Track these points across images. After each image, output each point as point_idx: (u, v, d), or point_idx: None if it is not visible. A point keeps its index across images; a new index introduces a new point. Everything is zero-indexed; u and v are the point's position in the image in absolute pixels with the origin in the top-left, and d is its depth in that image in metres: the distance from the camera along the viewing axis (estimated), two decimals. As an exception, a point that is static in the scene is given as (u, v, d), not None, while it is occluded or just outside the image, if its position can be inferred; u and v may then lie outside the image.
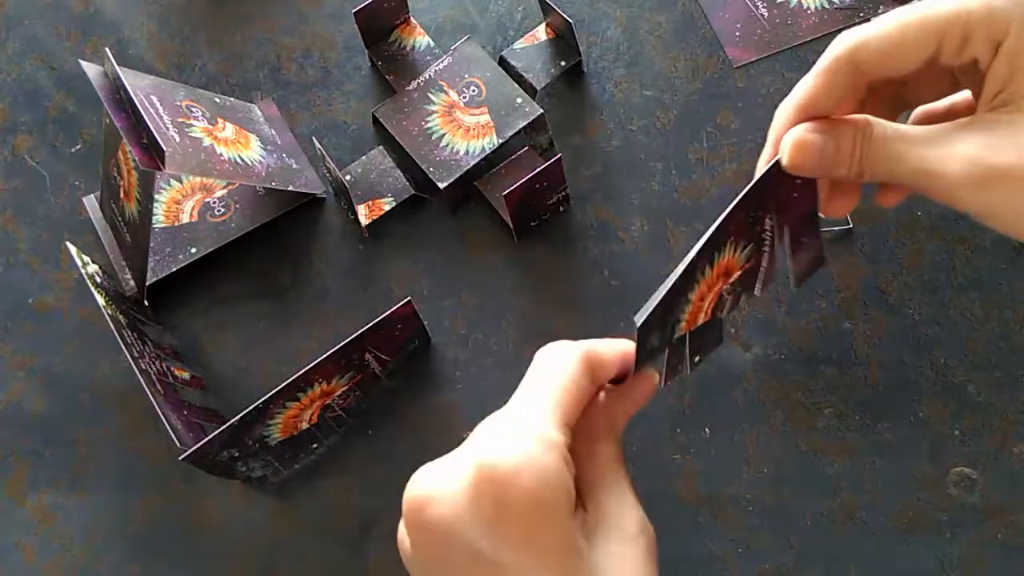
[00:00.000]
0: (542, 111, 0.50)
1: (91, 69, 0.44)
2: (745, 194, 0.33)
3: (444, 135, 0.51)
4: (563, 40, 0.54)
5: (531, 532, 0.28)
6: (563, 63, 0.53)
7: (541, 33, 0.54)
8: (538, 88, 0.52)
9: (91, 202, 0.53)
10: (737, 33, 0.54)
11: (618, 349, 0.34)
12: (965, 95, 0.35)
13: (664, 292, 0.32)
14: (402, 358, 0.48)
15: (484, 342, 0.49)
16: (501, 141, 0.50)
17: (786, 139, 0.33)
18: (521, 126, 0.50)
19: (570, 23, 0.50)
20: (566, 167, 0.48)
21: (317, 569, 0.46)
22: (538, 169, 0.46)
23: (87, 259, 0.49)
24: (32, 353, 0.51)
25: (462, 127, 0.51)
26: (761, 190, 0.34)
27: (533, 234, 0.51)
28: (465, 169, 0.50)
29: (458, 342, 0.49)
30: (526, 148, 0.52)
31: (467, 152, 0.51)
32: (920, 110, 0.37)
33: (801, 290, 0.48)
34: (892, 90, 0.35)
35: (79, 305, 0.52)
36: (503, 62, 0.54)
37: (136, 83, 0.45)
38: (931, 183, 0.31)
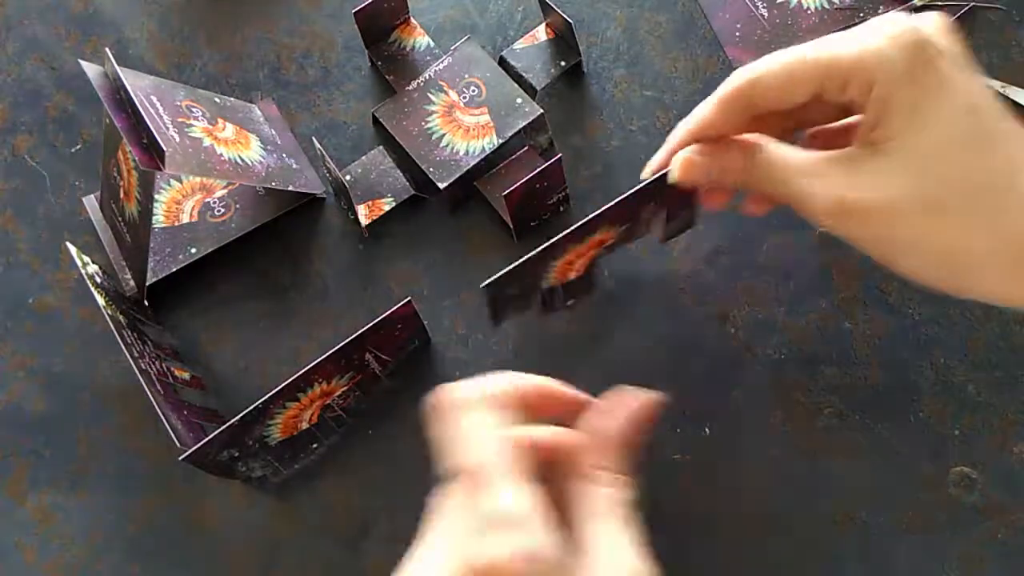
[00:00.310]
0: (542, 111, 0.50)
1: (91, 69, 0.44)
2: (626, 197, 0.38)
3: (444, 135, 0.51)
4: (563, 40, 0.54)
5: None
6: (563, 63, 0.53)
7: (541, 33, 0.54)
8: (538, 88, 0.52)
9: (91, 202, 0.53)
10: (737, 33, 0.54)
11: (544, 395, 0.33)
12: (859, 118, 0.36)
13: (510, 268, 0.39)
14: (402, 358, 0.48)
15: (484, 342, 0.49)
16: (501, 141, 0.50)
17: (675, 160, 0.37)
18: (521, 126, 0.50)
19: (570, 23, 0.50)
20: (566, 167, 0.48)
21: (317, 569, 0.46)
22: (538, 169, 0.46)
23: (87, 259, 0.48)
24: (32, 353, 0.51)
25: (462, 127, 0.51)
26: (646, 193, 0.39)
27: (533, 234, 0.51)
28: (465, 169, 0.50)
29: (458, 342, 0.49)
30: (526, 148, 0.52)
31: (467, 152, 0.51)
32: (817, 128, 0.39)
33: (800, 290, 0.48)
34: (786, 113, 0.37)
35: (79, 305, 0.52)
36: (503, 62, 0.54)
37: (136, 83, 0.45)
38: (803, 210, 0.35)
